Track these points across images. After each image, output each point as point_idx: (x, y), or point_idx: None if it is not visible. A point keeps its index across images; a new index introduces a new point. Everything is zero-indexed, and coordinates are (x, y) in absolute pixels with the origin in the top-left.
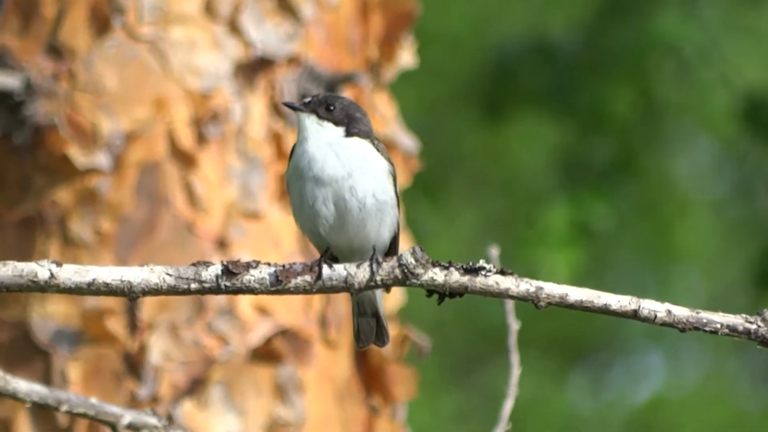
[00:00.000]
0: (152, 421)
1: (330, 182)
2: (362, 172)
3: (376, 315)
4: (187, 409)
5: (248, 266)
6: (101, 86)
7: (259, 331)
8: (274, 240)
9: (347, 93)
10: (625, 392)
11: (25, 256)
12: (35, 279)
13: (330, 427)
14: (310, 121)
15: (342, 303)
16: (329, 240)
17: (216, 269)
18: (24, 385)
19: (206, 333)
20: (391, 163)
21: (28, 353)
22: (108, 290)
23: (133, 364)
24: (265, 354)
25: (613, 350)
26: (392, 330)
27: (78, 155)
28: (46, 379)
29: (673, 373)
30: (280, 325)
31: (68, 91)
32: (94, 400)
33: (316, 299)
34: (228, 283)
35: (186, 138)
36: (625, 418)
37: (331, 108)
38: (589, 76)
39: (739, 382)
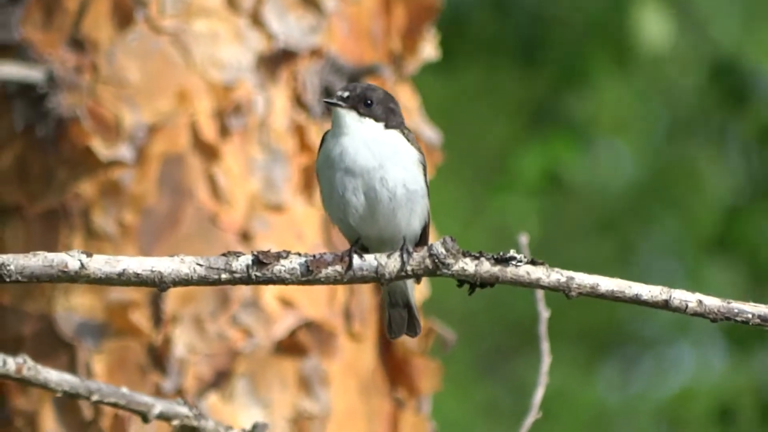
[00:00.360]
0: (183, 410)
1: (361, 173)
2: (393, 162)
3: (408, 306)
4: (211, 401)
5: (279, 256)
6: (124, 79)
7: (283, 324)
8: (298, 232)
9: None
10: (654, 383)
11: (49, 248)
12: (65, 269)
13: (355, 419)
14: (351, 118)
15: (366, 295)
16: (359, 230)
17: (246, 259)
18: (55, 375)
19: (231, 325)
20: (421, 153)
21: (53, 346)
22: (138, 281)
23: (158, 357)
24: (289, 346)
25: (642, 341)
26: None
27: (101, 147)
28: (71, 373)
29: (700, 363)
30: (304, 317)
31: (91, 84)
32: (124, 389)
33: (341, 291)
34: (258, 273)
35: (209, 130)
36: (654, 409)
37: (369, 103)
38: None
39: (765, 371)
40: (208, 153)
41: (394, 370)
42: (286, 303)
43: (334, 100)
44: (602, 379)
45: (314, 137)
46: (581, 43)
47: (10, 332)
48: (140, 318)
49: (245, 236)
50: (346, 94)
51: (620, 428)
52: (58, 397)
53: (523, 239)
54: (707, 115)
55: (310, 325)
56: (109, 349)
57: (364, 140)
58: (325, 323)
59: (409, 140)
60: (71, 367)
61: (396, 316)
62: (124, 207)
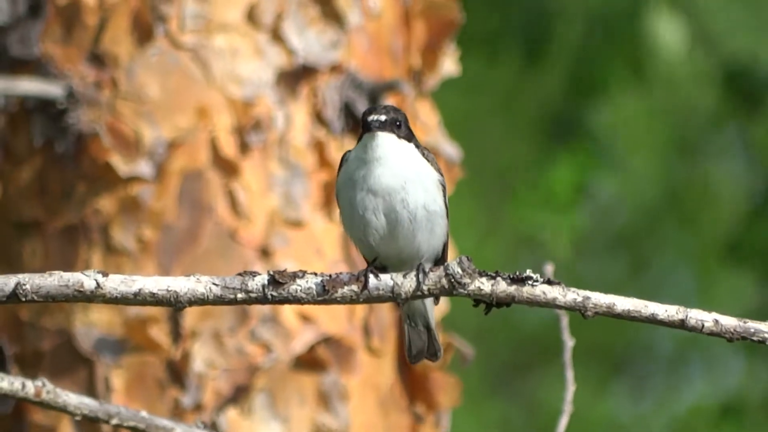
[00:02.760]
0: None
1: (383, 194)
2: (415, 185)
3: (428, 328)
4: (231, 416)
5: (295, 276)
6: (143, 94)
7: (302, 339)
8: (317, 248)
9: (390, 101)
10: (666, 400)
11: (68, 264)
12: (81, 289)
13: None
14: (390, 141)
15: (385, 310)
16: (379, 250)
17: (262, 279)
18: (74, 399)
19: (249, 340)
20: (441, 173)
21: (72, 361)
22: (154, 300)
23: (177, 372)
24: (308, 362)
25: (653, 358)
26: None
27: (120, 163)
28: (90, 388)
29: (712, 380)
30: (323, 332)
31: (110, 99)
32: (144, 413)
33: (360, 307)
34: (274, 293)
35: (228, 146)
36: (666, 425)
37: (399, 124)
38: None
39: None
40: (228, 169)
41: (413, 385)
42: (305, 318)
43: (378, 125)
44: (614, 396)
45: (334, 153)
46: (593, 46)
47: (29, 348)
48: (159, 333)
49: (264, 252)
50: (383, 117)
51: None
52: None
53: (548, 268)
54: (720, 125)
55: (329, 341)
56: (128, 365)
57: (393, 161)
58: (344, 338)
59: (429, 161)
60: (90, 383)
61: (416, 340)
62: (144, 223)
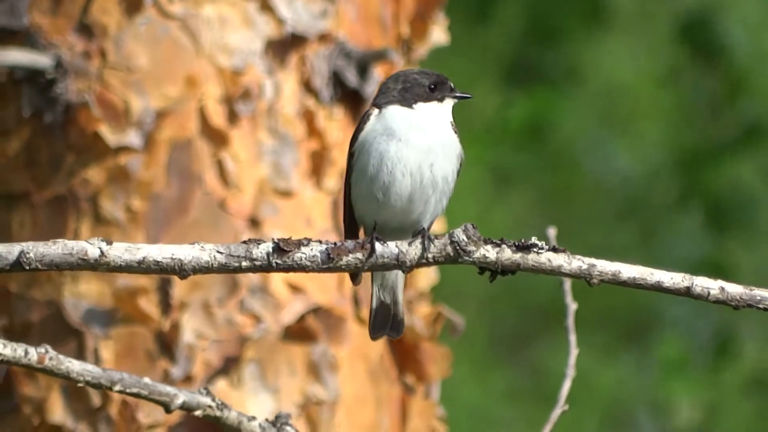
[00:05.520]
0: (206, 400)
1: (419, 151)
2: (444, 152)
3: (395, 303)
4: (220, 387)
5: (299, 244)
6: (132, 64)
7: (292, 309)
8: (306, 218)
9: (379, 70)
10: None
11: (57, 234)
12: (85, 257)
13: (363, 405)
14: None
15: None
16: (389, 212)
17: (267, 247)
18: (77, 365)
19: (239, 311)
20: (462, 145)
21: (61, 333)
22: (158, 268)
23: (166, 343)
24: (298, 332)
25: (662, 326)
26: (426, 308)
27: (109, 133)
28: (79, 360)
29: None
30: (313, 302)
31: (99, 69)
32: (147, 379)
33: (348, 276)
34: (279, 261)
35: (217, 116)
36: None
37: None
38: None
39: None
40: (217, 138)
41: (403, 355)
42: (295, 288)
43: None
44: (622, 363)
45: (323, 122)
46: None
47: (18, 319)
48: (148, 304)
49: (254, 222)
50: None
51: (640, 413)
52: (65, 384)
53: (551, 231)
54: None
55: (318, 311)
56: (117, 336)
57: (441, 125)
58: (334, 308)
59: (456, 132)
60: (79, 354)
61: (381, 314)
62: (133, 193)
